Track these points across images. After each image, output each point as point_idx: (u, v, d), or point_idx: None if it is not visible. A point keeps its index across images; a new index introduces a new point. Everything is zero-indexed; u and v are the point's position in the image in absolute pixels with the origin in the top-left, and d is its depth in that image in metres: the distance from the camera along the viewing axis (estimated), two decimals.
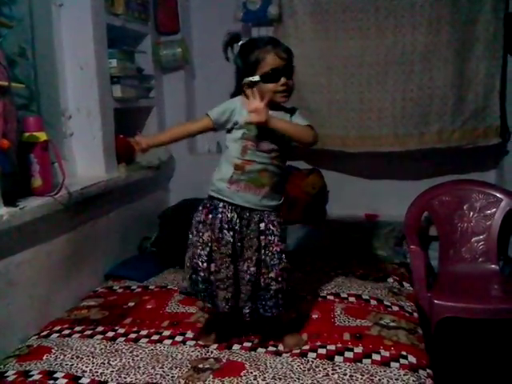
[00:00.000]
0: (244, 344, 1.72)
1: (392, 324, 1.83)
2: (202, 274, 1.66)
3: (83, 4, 2.27)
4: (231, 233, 1.62)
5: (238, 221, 1.63)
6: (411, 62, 2.71)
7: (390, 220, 2.82)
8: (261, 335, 1.76)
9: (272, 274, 1.63)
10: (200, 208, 1.70)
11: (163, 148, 2.95)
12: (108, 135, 2.45)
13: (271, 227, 1.64)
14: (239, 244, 1.64)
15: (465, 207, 2.63)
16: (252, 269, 1.63)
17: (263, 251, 1.64)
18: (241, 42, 1.67)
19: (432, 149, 2.79)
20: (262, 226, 1.64)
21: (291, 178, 2.95)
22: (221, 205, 1.64)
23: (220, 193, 1.65)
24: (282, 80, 1.59)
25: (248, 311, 1.65)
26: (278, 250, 1.63)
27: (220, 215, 1.64)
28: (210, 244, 1.65)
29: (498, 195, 2.59)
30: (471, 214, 2.62)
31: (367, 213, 2.98)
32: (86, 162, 2.41)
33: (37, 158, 1.92)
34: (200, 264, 1.66)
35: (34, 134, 1.91)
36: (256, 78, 1.59)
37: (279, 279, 1.63)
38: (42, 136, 1.93)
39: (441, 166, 2.93)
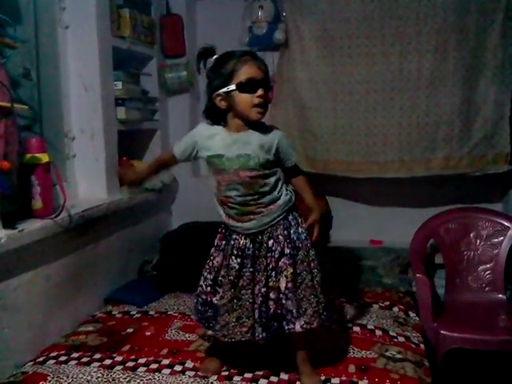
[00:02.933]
0: (245, 375, 1.67)
1: (398, 356, 1.78)
2: (204, 297, 1.66)
3: (89, 26, 2.28)
4: (239, 260, 1.59)
5: (251, 246, 1.59)
6: (417, 88, 2.70)
7: (395, 247, 2.77)
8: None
9: (269, 291, 1.58)
10: (219, 230, 1.70)
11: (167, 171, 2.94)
12: (111, 157, 2.43)
13: (275, 243, 1.59)
14: (251, 269, 1.59)
15: (471, 235, 2.59)
16: (263, 289, 1.58)
17: (267, 268, 1.59)
18: (215, 56, 1.58)
19: (438, 175, 2.77)
20: (270, 243, 1.59)
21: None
22: (234, 232, 1.62)
23: (226, 223, 1.65)
24: (260, 91, 1.49)
25: (263, 335, 1.57)
26: (271, 267, 1.58)
27: (232, 241, 1.61)
28: (216, 269, 1.64)
29: (505, 223, 2.55)
30: (478, 242, 2.58)
31: (372, 239, 2.94)
32: (88, 183, 2.38)
33: (38, 179, 1.89)
34: (204, 287, 1.66)
35: (36, 155, 1.89)
36: (231, 87, 1.49)
37: (271, 297, 1.58)
38: (44, 157, 1.91)
39: (447, 193, 2.90)
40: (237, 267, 1.59)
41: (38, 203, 1.90)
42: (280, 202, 1.61)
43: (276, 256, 1.57)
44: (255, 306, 1.58)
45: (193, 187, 3.07)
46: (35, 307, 1.89)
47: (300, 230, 1.62)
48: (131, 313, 2.23)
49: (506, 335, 2.18)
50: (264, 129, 1.58)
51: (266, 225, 1.59)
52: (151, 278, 2.57)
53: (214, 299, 1.64)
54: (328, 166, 2.88)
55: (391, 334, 1.97)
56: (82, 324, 2.11)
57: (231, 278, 1.59)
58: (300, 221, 1.64)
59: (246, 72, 1.49)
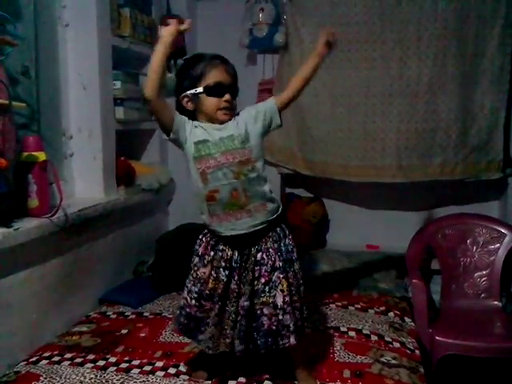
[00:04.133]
0: (239, 379, 1.66)
1: (393, 362, 1.78)
2: (188, 310, 1.60)
3: (89, 25, 2.27)
4: (227, 272, 1.54)
5: (238, 258, 1.54)
6: (416, 94, 2.70)
7: (392, 252, 2.77)
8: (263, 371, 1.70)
9: (260, 307, 1.53)
10: (201, 237, 1.62)
11: (163, 171, 2.93)
12: (109, 157, 2.42)
13: (264, 256, 1.53)
14: (238, 282, 1.54)
15: (468, 241, 2.58)
16: (245, 303, 1.54)
17: (255, 282, 1.54)
18: (185, 57, 1.57)
19: (435, 181, 2.77)
20: (259, 256, 1.54)
21: (292, 206, 2.92)
22: (221, 242, 1.57)
23: (209, 227, 1.58)
24: (227, 96, 1.51)
25: (240, 348, 1.56)
26: (263, 281, 1.52)
27: (220, 253, 1.56)
28: (202, 281, 1.57)
29: (501, 230, 2.55)
30: (474, 248, 2.57)
31: (369, 244, 2.94)
32: (85, 183, 2.37)
33: (35, 178, 1.88)
34: (188, 300, 1.60)
35: (33, 153, 1.88)
36: (199, 89, 1.50)
37: (264, 312, 1.52)
38: (41, 156, 1.90)
39: (443, 198, 2.91)
40: (225, 280, 1.54)
41: (34, 202, 1.89)
42: (270, 206, 1.56)
43: (268, 270, 1.52)
44: (238, 318, 1.55)
45: (190, 188, 3.04)
46: (29, 306, 1.88)
47: (288, 241, 1.58)
48: (126, 314, 2.22)
49: (501, 342, 2.17)
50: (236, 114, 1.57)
51: (253, 227, 1.53)
52: (146, 279, 2.56)
53: (197, 313, 1.58)
54: (326, 170, 2.87)
55: (386, 339, 1.96)
56: (76, 324, 2.10)
57: (219, 291, 1.55)
58: (288, 232, 1.60)
59: (214, 76, 1.50)
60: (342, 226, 2.98)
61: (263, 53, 2.95)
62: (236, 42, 2.88)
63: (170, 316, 2.17)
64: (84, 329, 2.05)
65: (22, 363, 1.76)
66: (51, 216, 1.91)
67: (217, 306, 1.56)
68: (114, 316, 2.20)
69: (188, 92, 1.52)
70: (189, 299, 1.59)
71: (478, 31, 2.61)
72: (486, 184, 2.78)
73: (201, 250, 1.60)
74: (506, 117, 2.68)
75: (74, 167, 2.38)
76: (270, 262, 1.53)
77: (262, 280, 1.53)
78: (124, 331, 2.02)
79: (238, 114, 1.57)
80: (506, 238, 2.51)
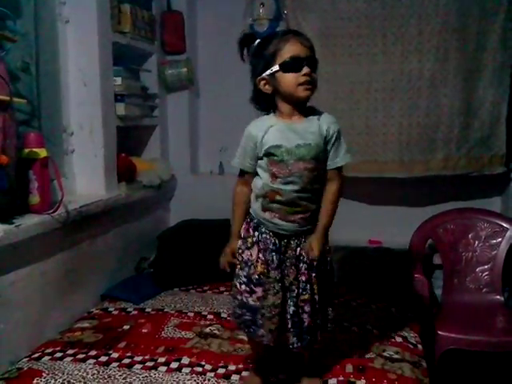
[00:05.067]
0: (242, 374, 1.66)
1: (396, 356, 1.77)
2: (239, 298, 1.53)
3: (89, 21, 2.26)
4: (274, 255, 1.48)
5: (278, 245, 1.49)
6: (418, 89, 2.69)
7: (394, 247, 2.77)
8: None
9: (302, 304, 1.50)
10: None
11: (164, 167, 2.93)
12: (110, 153, 2.42)
13: (303, 253, 1.49)
14: (280, 271, 1.49)
15: (470, 236, 2.58)
16: (294, 299, 1.49)
17: (298, 278, 1.49)
18: (258, 40, 1.49)
19: (437, 175, 2.77)
20: (298, 250, 1.49)
21: None
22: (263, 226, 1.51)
23: (257, 215, 1.52)
24: (305, 69, 1.39)
25: (294, 340, 1.51)
26: (304, 279, 1.48)
27: (265, 235, 1.49)
28: (250, 263, 1.50)
29: (503, 225, 2.54)
30: (476, 243, 2.57)
31: (371, 239, 2.93)
32: (86, 179, 2.37)
33: (36, 174, 1.88)
34: (238, 286, 1.53)
35: (34, 150, 1.88)
36: (275, 67, 1.40)
37: (305, 310, 1.49)
38: (42, 152, 1.90)
39: (445, 193, 2.89)
40: (274, 264, 1.47)
41: (35, 198, 1.89)
42: (316, 216, 1.53)
43: (306, 267, 1.49)
44: (287, 314, 1.50)
45: (191, 184, 3.06)
46: (31, 303, 1.88)
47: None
48: (127, 310, 2.22)
49: (503, 336, 2.17)
50: (318, 113, 1.51)
51: (296, 232, 1.49)
52: (148, 275, 2.56)
53: (250, 300, 1.50)
54: None
55: (389, 333, 1.96)
56: (77, 320, 2.10)
57: (269, 275, 1.47)
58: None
59: (289, 50, 1.39)
60: (345, 222, 2.94)
61: None
62: (237, 38, 2.87)
63: (172, 312, 2.17)
64: (86, 325, 2.05)
65: (25, 359, 1.76)
66: (52, 212, 1.91)
67: (269, 295, 1.48)
68: (116, 312, 2.20)
69: (264, 74, 1.44)
70: (238, 285, 1.52)
71: (479, 25, 2.60)
72: (488, 179, 2.78)
73: (244, 232, 1.53)
74: (509, 111, 2.68)
75: (75, 164, 2.37)
76: (307, 260, 1.49)
77: (303, 278, 1.49)
78: (126, 327, 2.02)
79: (323, 113, 1.52)
80: (508, 233, 2.51)
